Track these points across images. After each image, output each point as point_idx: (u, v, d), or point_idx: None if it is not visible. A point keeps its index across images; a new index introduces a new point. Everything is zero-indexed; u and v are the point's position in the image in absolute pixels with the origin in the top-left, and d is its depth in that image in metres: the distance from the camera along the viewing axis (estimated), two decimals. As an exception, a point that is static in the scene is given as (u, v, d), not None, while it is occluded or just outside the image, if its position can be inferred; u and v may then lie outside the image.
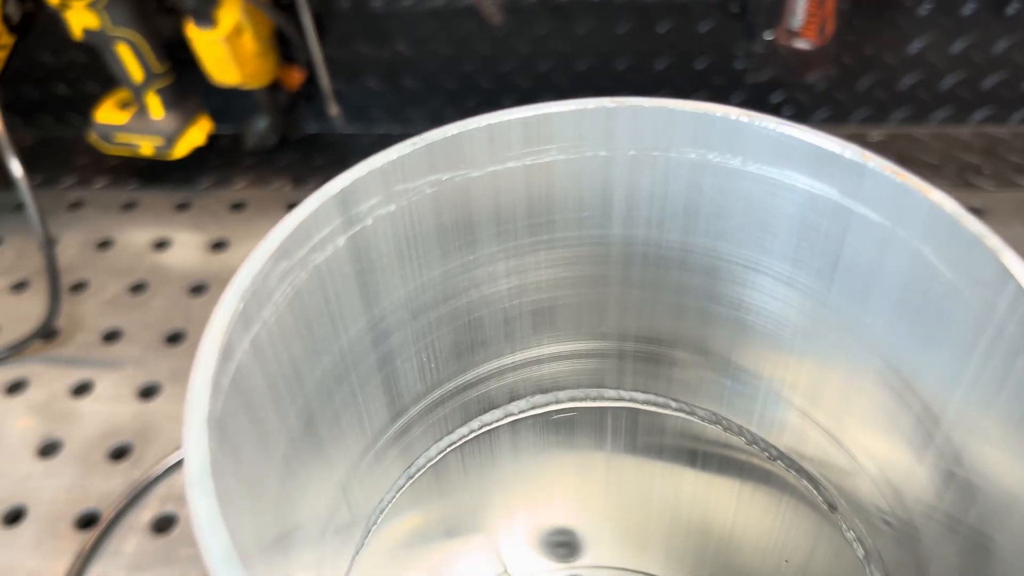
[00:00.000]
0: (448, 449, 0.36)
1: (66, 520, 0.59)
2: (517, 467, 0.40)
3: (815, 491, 0.34)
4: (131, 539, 0.57)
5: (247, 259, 0.24)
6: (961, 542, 0.26)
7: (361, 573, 0.35)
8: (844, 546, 0.33)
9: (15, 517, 0.59)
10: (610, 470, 0.41)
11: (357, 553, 0.33)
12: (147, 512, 0.59)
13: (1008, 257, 0.23)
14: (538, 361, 0.35)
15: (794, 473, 0.35)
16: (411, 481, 0.35)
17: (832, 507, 0.33)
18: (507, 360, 0.35)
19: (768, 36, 0.82)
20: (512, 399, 0.36)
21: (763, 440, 0.35)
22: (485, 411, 0.36)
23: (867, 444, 0.31)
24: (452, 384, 0.34)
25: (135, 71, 0.86)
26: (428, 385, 0.33)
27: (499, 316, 0.33)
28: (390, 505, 0.34)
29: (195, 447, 0.20)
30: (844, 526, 0.33)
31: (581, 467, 0.42)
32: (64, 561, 0.54)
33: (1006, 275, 0.22)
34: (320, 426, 0.28)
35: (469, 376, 0.34)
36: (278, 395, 0.26)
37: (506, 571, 0.44)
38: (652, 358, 0.35)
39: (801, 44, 0.82)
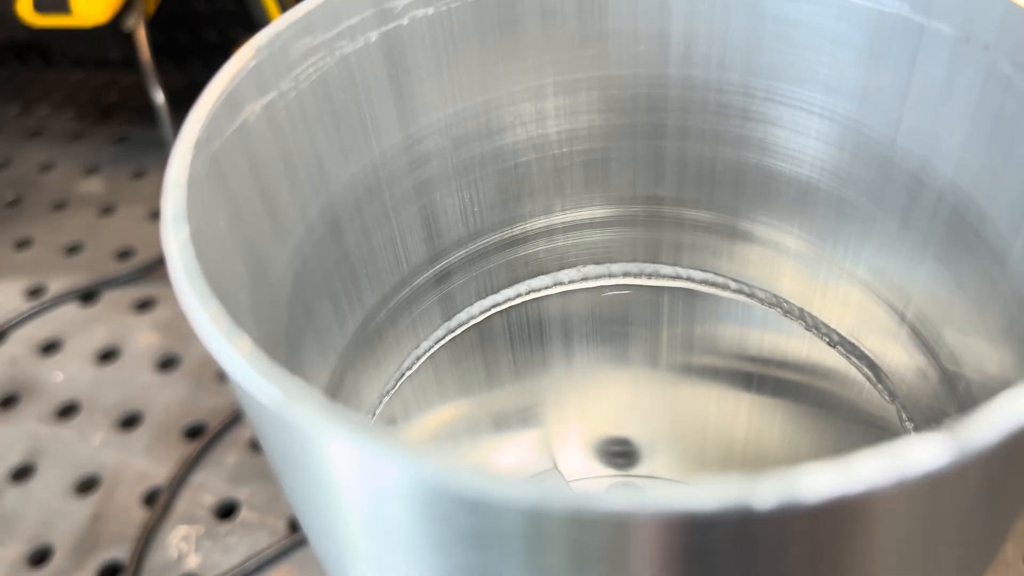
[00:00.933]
0: (493, 309, 0.35)
1: (176, 429, 0.62)
2: (569, 367, 0.39)
3: (875, 379, 0.31)
4: (233, 452, 0.60)
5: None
6: None
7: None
8: (904, 440, 0.30)
9: (132, 421, 0.62)
10: (665, 389, 0.40)
11: (387, 396, 0.33)
12: (249, 430, 0.61)
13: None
14: (590, 224, 0.34)
15: (854, 360, 0.32)
16: (452, 335, 0.34)
17: (892, 395, 0.30)
18: (557, 219, 0.34)
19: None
20: (562, 267, 0.35)
21: (824, 324, 0.32)
22: (533, 276, 0.35)
23: (930, 311, 0.28)
24: (497, 235, 0.33)
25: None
26: (471, 230, 0.32)
27: (548, 164, 0.32)
28: (428, 355, 0.34)
29: (179, 163, 0.20)
30: (903, 416, 0.30)
31: (635, 382, 0.40)
32: (171, 465, 0.57)
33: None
34: (347, 236, 0.28)
35: (516, 230, 0.33)
36: (296, 180, 0.25)
37: (556, 467, 0.42)
38: (711, 228, 0.33)
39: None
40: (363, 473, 0.15)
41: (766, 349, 0.35)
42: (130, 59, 1.05)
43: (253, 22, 0.97)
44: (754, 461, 0.40)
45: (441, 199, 0.31)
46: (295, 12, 0.24)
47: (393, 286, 0.31)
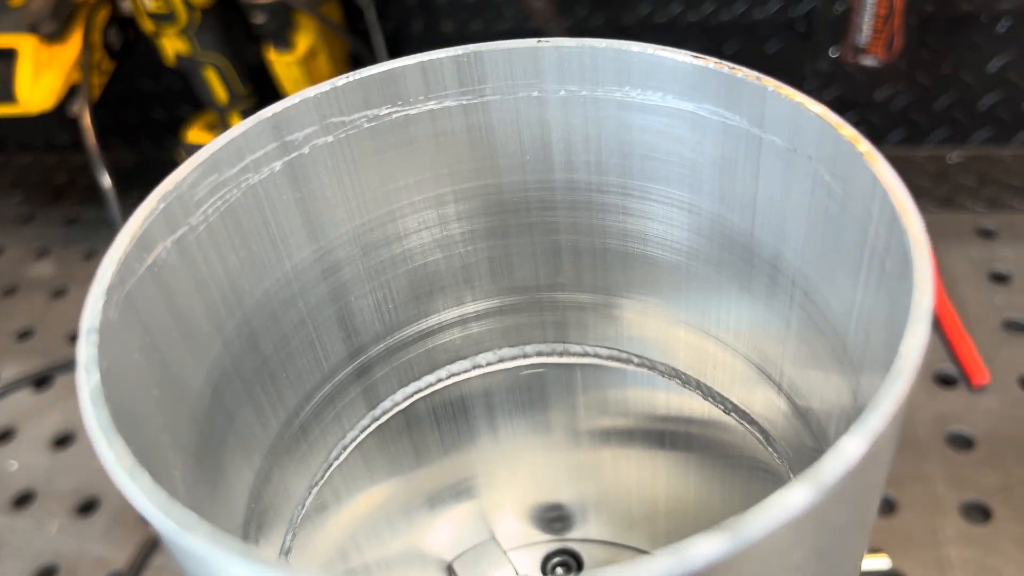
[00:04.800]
0: (416, 395, 0.37)
1: (135, 512, 0.63)
2: (495, 440, 0.41)
3: (766, 442, 0.34)
4: None
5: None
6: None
7: (339, 543, 0.37)
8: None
9: (89, 507, 0.62)
10: (588, 454, 0.42)
11: (316, 487, 0.35)
12: None
13: (876, 160, 0.23)
14: (500, 312, 0.37)
15: (746, 426, 0.34)
16: (377, 423, 0.37)
17: (781, 457, 0.33)
18: (469, 308, 0.36)
19: (834, 53, 0.81)
20: (479, 351, 0.38)
21: (718, 394, 0.35)
22: (452, 361, 0.38)
23: (800, 384, 0.31)
24: (414, 328, 0.36)
25: (220, 93, 0.92)
26: (387, 326, 0.35)
27: (456, 261, 0.35)
28: (355, 444, 0.36)
29: (92, 310, 0.22)
30: (791, 476, 0.33)
31: (559, 449, 0.42)
32: (130, 549, 0.57)
33: (874, 178, 0.23)
34: (264, 345, 0.31)
35: (431, 322, 0.36)
36: (211, 303, 0.28)
37: (493, 536, 0.44)
38: (609, 310, 0.36)
39: (868, 61, 0.81)
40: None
41: (673, 409, 0.38)
42: (78, 141, 1.06)
43: (199, 101, 1.00)
44: (676, 516, 0.42)
45: (356, 300, 0.34)
46: (200, 155, 0.27)
47: (314, 384, 0.34)
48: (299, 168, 0.29)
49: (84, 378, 0.20)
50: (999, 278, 0.67)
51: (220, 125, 0.98)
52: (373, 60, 0.87)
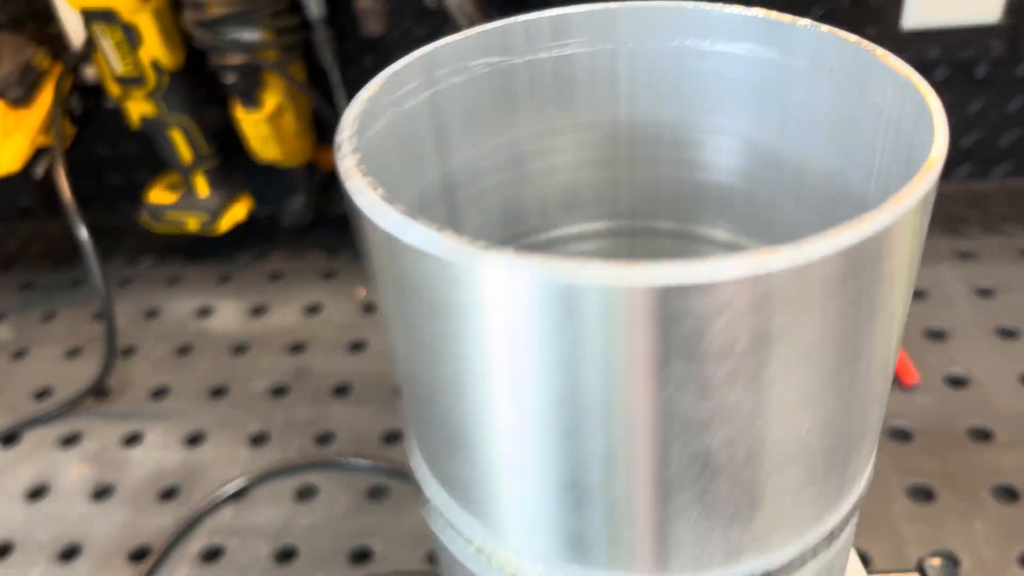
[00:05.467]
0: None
1: (120, 554, 0.64)
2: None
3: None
4: (181, 569, 0.61)
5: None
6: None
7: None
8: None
9: (71, 553, 0.64)
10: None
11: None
12: (196, 544, 0.63)
13: (888, 56, 0.33)
14: (570, 239, 0.45)
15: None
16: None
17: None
18: (543, 236, 0.44)
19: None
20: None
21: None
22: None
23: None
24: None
25: (185, 153, 0.96)
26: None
27: (537, 193, 0.43)
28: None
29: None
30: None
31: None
32: None
33: (887, 68, 0.32)
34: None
35: (514, 247, 0.44)
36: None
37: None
38: (656, 234, 0.45)
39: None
40: (505, 279, 0.22)
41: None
42: (25, 209, 1.07)
43: (159, 166, 1.03)
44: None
45: (464, 221, 0.41)
46: (379, 77, 0.34)
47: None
48: (438, 100, 0.37)
49: (347, 149, 0.28)
50: (917, 294, 0.81)
51: (183, 185, 1.02)
52: (336, 118, 0.95)
